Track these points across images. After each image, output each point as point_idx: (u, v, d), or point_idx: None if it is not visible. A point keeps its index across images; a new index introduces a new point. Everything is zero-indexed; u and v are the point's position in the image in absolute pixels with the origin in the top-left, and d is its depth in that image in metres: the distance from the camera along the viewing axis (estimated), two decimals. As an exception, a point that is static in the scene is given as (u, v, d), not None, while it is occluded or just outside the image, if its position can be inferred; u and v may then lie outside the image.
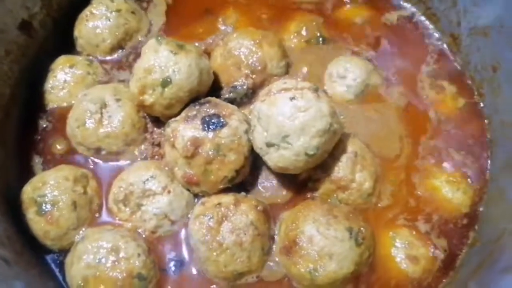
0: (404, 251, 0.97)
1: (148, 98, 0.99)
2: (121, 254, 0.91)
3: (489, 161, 1.09)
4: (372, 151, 1.06)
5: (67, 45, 1.23)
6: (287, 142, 0.89)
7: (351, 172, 0.99)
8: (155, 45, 0.99)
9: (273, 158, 0.92)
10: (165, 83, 0.96)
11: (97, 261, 0.91)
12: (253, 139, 0.95)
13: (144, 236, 0.99)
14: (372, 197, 1.02)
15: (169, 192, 0.99)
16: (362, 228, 0.94)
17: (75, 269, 0.92)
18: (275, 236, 0.99)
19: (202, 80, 1.00)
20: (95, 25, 1.19)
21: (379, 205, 1.03)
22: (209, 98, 1.02)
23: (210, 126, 0.94)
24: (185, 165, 0.96)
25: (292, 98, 0.89)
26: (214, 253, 0.92)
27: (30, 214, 0.99)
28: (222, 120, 0.95)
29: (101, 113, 1.06)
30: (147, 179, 1.00)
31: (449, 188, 1.05)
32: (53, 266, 0.99)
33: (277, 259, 0.96)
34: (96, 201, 1.04)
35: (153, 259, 0.96)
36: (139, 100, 1.01)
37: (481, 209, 1.04)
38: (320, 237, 0.90)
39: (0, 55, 1.07)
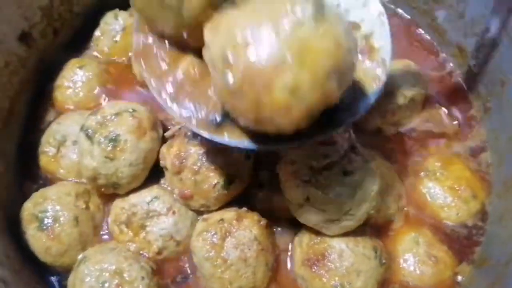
0: (425, 249, 0.97)
1: None
2: (125, 277, 0.90)
3: (494, 178, 1.08)
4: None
5: (68, 55, 1.21)
6: (349, 215, 0.87)
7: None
8: None
9: (333, 229, 0.90)
10: None
11: (100, 284, 0.89)
12: (300, 217, 0.91)
13: (147, 256, 0.97)
14: (393, 216, 1.03)
15: (173, 212, 0.98)
16: (383, 250, 0.94)
17: (77, 293, 0.91)
18: (290, 249, 0.97)
19: None
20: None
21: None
22: None
23: (190, 141, 0.94)
24: (178, 182, 0.96)
25: (345, 173, 0.85)
26: (219, 270, 0.91)
27: (31, 230, 0.97)
28: None
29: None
30: (151, 200, 0.98)
31: (452, 198, 1.04)
32: (54, 286, 0.98)
33: (297, 272, 0.94)
34: (99, 216, 1.02)
35: (157, 281, 0.94)
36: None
37: (487, 227, 1.03)
38: (350, 253, 0.90)
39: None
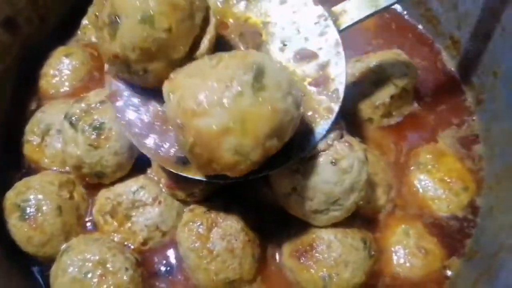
0: (415, 241, 0.97)
1: None
2: (108, 268, 0.88)
3: (486, 170, 1.07)
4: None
5: (54, 43, 1.19)
6: (338, 205, 0.86)
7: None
8: None
9: (321, 220, 0.89)
10: None
11: (83, 275, 0.87)
12: (288, 206, 0.90)
13: (132, 247, 0.96)
14: (383, 207, 1.02)
15: (159, 203, 0.96)
16: (373, 241, 0.93)
17: (60, 282, 0.89)
18: (278, 240, 0.96)
19: None
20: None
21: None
22: None
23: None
24: (163, 172, 0.94)
25: (333, 163, 0.83)
26: (205, 261, 0.89)
27: (13, 220, 0.95)
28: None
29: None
30: (137, 190, 0.97)
31: (442, 190, 1.04)
32: (38, 277, 0.96)
33: (285, 263, 0.94)
34: (83, 206, 1.00)
35: (141, 272, 0.93)
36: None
37: (478, 219, 1.02)
38: (339, 244, 0.89)
39: (-17, 53, 1.04)
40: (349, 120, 1.10)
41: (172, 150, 0.84)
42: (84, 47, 1.20)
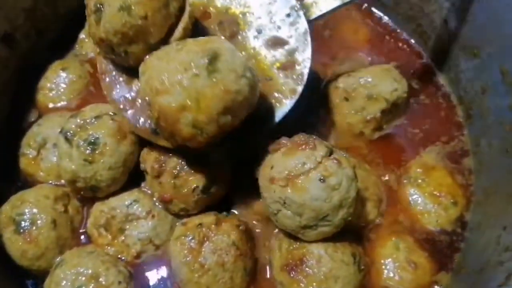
0: (405, 255, 0.98)
1: None
2: (101, 282, 0.89)
3: (475, 185, 1.09)
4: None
5: (51, 56, 1.20)
6: (326, 221, 0.87)
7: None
8: None
9: (310, 236, 0.90)
10: None
11: (75, 289, 0.88)
12: (278, 221, 0.91)
13: (126, 260, 0.97)
14: (373, 221, 1.04)
15: (153, 216, 0.98)
16: (362, 256, 0.95)
17: (52, 297, 0.90)
18: (269, 254, 0.97)
19: None
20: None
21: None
22: None
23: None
24: (157, 185, 0.96)
25: (321, 180, 0.84)
26: (196, 275, 0.90)
27: (8, 234, 0.96)
28: None
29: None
30: (131, 204, 0.98)
31: (432, 205, 1.05)
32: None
33: (276, 277, 0.94)
34: (78, 219, 1.01)
35: (134, 286, 0.94)
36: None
37: (466, 234, 1.04)
38: (329, 258, 0.90)
39: (-17, 67, 1.05)
40: (340, 133, 1.13)
41: (147, 123, 0.94)
42: (82, 62, 1.21)
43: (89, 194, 1.00)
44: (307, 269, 0.90)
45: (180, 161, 0.94)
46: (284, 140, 0.92)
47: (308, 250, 0.91)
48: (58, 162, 1.00)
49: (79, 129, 0.97)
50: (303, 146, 0.88)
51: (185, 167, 0.94)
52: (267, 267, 0.99)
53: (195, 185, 0.94)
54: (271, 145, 0.93)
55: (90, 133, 0.96)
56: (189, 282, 0.91)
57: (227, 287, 0.91)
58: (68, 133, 0.96)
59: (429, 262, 1.00)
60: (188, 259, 0.91)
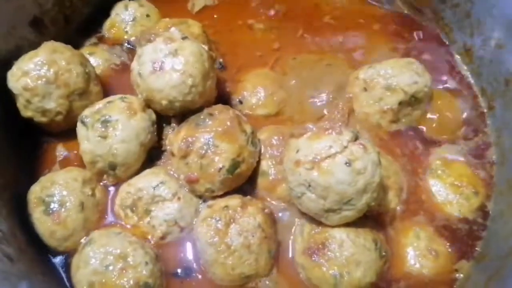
0: (426, 243, 0.99)
1: None
2: (129, 262, 0.90)
3: (496, 175, 1.09)
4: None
5: (78, 43, 1.23)
6: (350, 205, 0.88)
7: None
8: None
9: (333, 220, 0.91)
10: None
11: (104, 267, 0.90)
12: (301, 205, 0.93)
13: (152, 242, 0.98)
14: (394, 210, 1.05)
15: (179, 198, 0.99)
16: (384, 243, 0.96)
17: (81, 273, 0.91)
18: (292, 238, 0.99)
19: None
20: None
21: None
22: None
23: (199, 123, 0.97)
24: (184, 166, 0.97)
25: (347, 164, 0.85)
26: (222, 256, 0.92)
27: (37, 214, 0.98)
28: (208, 115, 0.98)
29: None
30: (157, 185, 0.99)
31: (453, 195, 1.06)
32: (58, 266, 0.99)
33: (297, 260, 0.96)
34: (104, 203, 1.03)
35: (160, 267, 0.95)
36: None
37: (488, 223, 1.04)
38: (351, 243, 0.91)
39: (10, 50, 1.07)
40: (359, 124, 1.14)
41: None
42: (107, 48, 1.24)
43: (112, 178, 1.02)
44: (329, 253, 0.91)
45: (207, 141, 0.96)
46: (310, 125, 0.93)
47: (331, 235, 0.92)
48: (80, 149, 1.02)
49: (93, 114, 1.00)
50: (329, 131, 0.89)
51: (212, 147, 0.95)
52: (290, 250, 0.99)
53: (221, 165, 0.95)
54: (296, 130, 0.94)
55: (103, 113, 1.00)
56: (215, 262, 0.93)
57: (252, 268, 0.93)
58: (85, 118, 1.00)
59: (450, 251, 1.01)
60: (214, 240, 0.92)
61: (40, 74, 1.00)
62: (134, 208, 0.99)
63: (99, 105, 1.02)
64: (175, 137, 1.00)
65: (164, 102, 0.98)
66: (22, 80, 1.00)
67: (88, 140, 0.99)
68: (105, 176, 1.03)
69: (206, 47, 1.02)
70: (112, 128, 0.98)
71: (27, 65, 1.01)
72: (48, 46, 1.04)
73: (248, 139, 0.99)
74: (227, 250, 0.92)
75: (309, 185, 0.87)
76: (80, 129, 1.00)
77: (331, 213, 0.89)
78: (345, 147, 0.87)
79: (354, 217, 0.91)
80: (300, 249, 0.96)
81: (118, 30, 1.26)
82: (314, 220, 0.95)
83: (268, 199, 1.04)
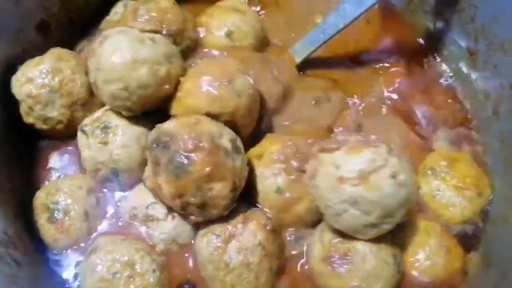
0: (436, 241, 0.98)
1: None
2: (136, 270, 0.89)
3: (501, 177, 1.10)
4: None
5: (78, 43, 1.22)
6: (390, 217, 0.87)
7: None
8: None
9: (371, 234, 0.89)
10: None
11: (111, 275, 0.89)
12: (339, 222, 0.90)
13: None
14: None
15: (173, 217, 0.96)
16: (402, 258, 0.95)
17: (89, 281, 0.91)
18: (314, 243, 0.96)
19: None
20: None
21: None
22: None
23: (178, 171, 0.87)
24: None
25: (392, 176, 0.85)
26: (221, 273, 0.91)
27: (42, 221, 0.98)
28: (186, 156, 0.87)
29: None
30: (150, 205, 0.97)
31: (457, 197, 1.05)
32: (64, 271, 0.98)
33: (315, 267, 0.95)
34: (109, 212, 1.02)
35: (166, 275, 0.94)
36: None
37: (492, 224, 1.05)
38: (373, 257, 0.90)
39: (17, 54, 1.06)
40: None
41: None
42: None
43: (115, 187, 1.02)
44: (350, 264, 0.90)
45: (197, 190, 0.88)
46: (339, 138, 0.91)
47: (354, 247, 0.91)
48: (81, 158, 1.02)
49: (93, 122, 1.00)
50: (367, 144, 0.88)
51: (206, 192, 0.88)
52: (299, 262, 0.98)
53: (224, 203, 0.89)
54: (321, 145, 0.92)
55: (103, 120, 0.99)
56: (214, 278, 0.92)
57: (252, 286, 0.91)
58: (84, 127, 1.00)
59: (459, 248, 1.01)
60: (213, 257, 0.91)
61: (44, 82, 1.00)
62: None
63: (98, 113, 1.02)
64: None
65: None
66: (26, 87, 1.00)
67: (89, 147, 0.98)
68: (108, 184, 1.02)
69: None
70: (112, 134, 0.97)
71: (32, 71, 1.00)
72: (54, 53, 1.04)
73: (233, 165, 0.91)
74: (226, 267, 0.90)
75: (355, 201, 0.85)
76: (80, 138, 1.00)
77: (370, 228, 0.88)
78: (386, 159, 0.86)
79: (387, 230, 0.89)
80: (319, 256, 0.94)
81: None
82: (335, 230, 0.92)
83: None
